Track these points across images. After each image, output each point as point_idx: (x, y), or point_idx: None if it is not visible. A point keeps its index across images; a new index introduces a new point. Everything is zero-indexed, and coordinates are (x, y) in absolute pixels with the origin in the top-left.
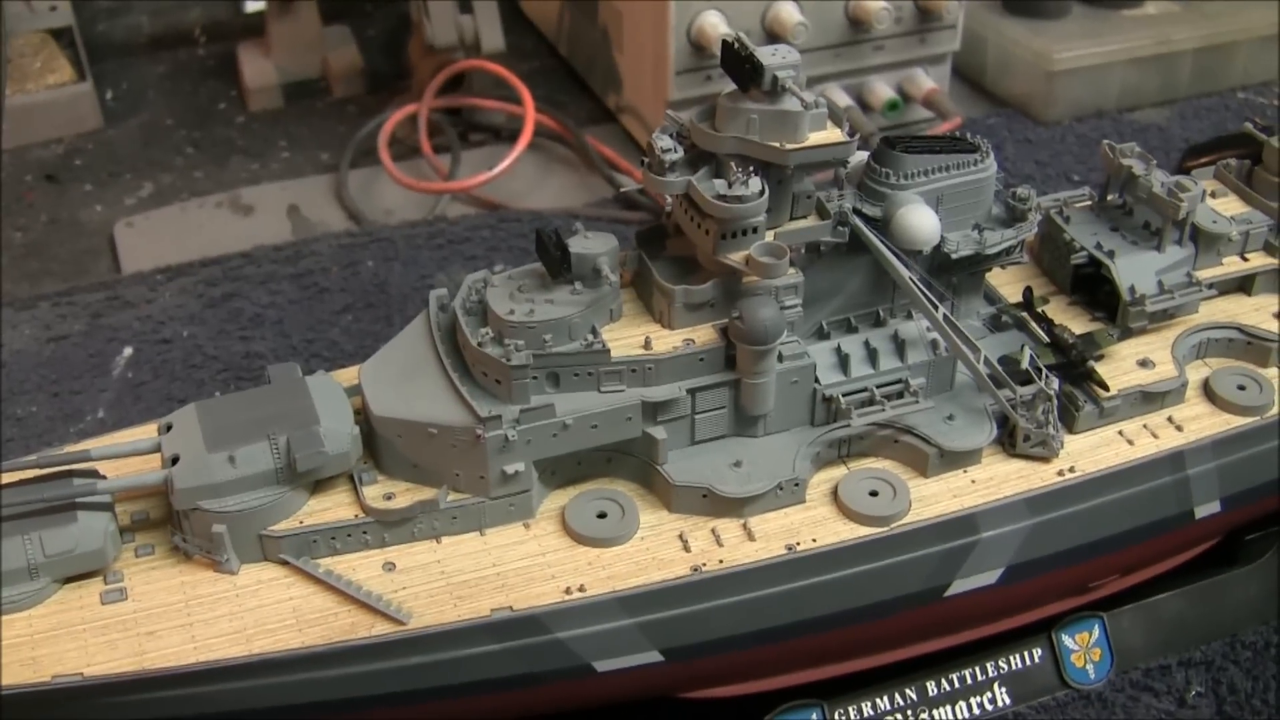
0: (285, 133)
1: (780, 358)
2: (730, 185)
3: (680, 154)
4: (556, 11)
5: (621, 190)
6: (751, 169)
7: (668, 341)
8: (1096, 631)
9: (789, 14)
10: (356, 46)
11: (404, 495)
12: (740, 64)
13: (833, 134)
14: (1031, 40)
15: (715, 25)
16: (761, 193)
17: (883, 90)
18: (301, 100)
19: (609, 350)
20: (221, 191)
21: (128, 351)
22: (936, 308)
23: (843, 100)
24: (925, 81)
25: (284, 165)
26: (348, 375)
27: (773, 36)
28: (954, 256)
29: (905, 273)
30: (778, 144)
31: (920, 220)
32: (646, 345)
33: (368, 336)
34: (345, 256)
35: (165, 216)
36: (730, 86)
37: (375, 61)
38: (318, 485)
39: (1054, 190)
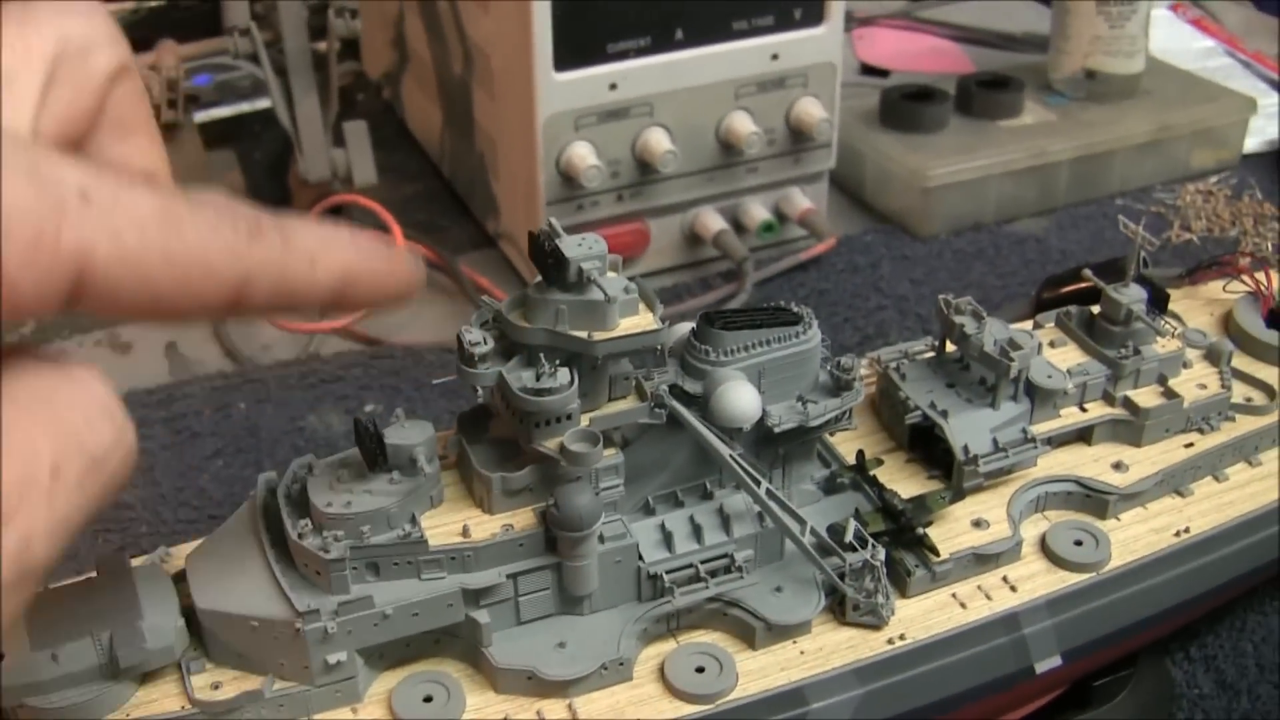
0: None
1: (602, 539)
2: (539, 377)
3: (490, 346)
4: (439, 134)
5: (434, 383)
6: (558, 360)
7: (487, 528)
8: None
9: (658, 142)
10: (240, 172)
11: (231, 684)
12: (545, 257)
13: (644, 320)
14: (906, 156)
15: (583, 157)
16: (571, 383)
17: (758, 212)
18: None
19: (426, 540)
20: (101, 329)
21: None
22: (759, 483)
23: (717, 223)
24: (801, 201)
25: None
26: (192, 549)
27: (643, 165)
28: (777, 430)
29: (725, 451)
30: (586, 334)
31: (738, 399)
32: (465, 533)
33: (236, 483)
34: (218, 398)
35: None
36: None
37: (260, 188)
38: (147, 675)
39: (928, 307)
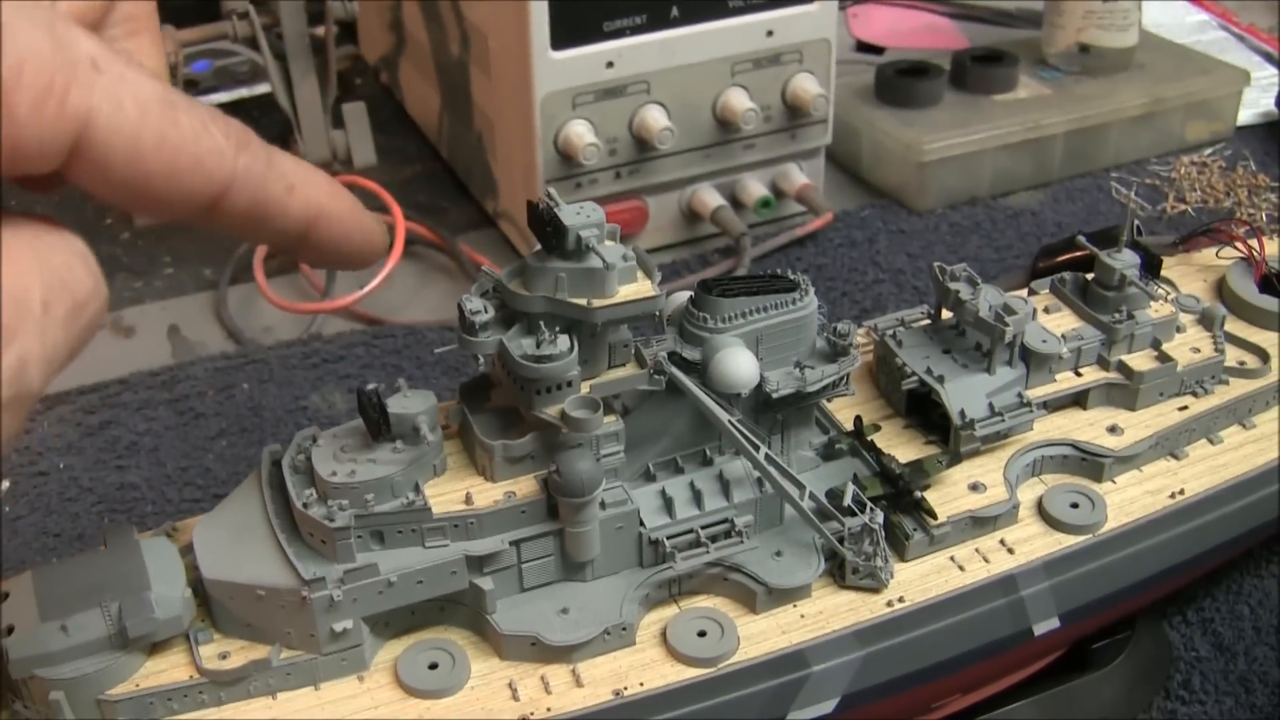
0: (170, 248)
1: (603, 505)
2: (539, 344)
3: (491, 314)
4: (437, 115)
5: (436, 352)
6: (558, 328)
7: (489, 495)
8: None
9: (655, 119)
10: None
11: (239, 654)
12: (543, 225)
13: (643, 287)
14: (902, 131)
15: (581, 135)
16: (571, 350)
17: (755, 188)
18: None
19: (430, 508)
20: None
21: (4, 485)
22: (758, 448)
23: (714, 200)
24: (798, 177)
25: (167, 283)
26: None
27: (640, 143)
28: (775, 396)
29: (724, 416)
30: (585, 301)
31: (737, 365)
32: (468, 500)
33: (240, 462)
34: (221, 379)
35: None
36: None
37: None
38: (155, 646)
39: (925, 280)
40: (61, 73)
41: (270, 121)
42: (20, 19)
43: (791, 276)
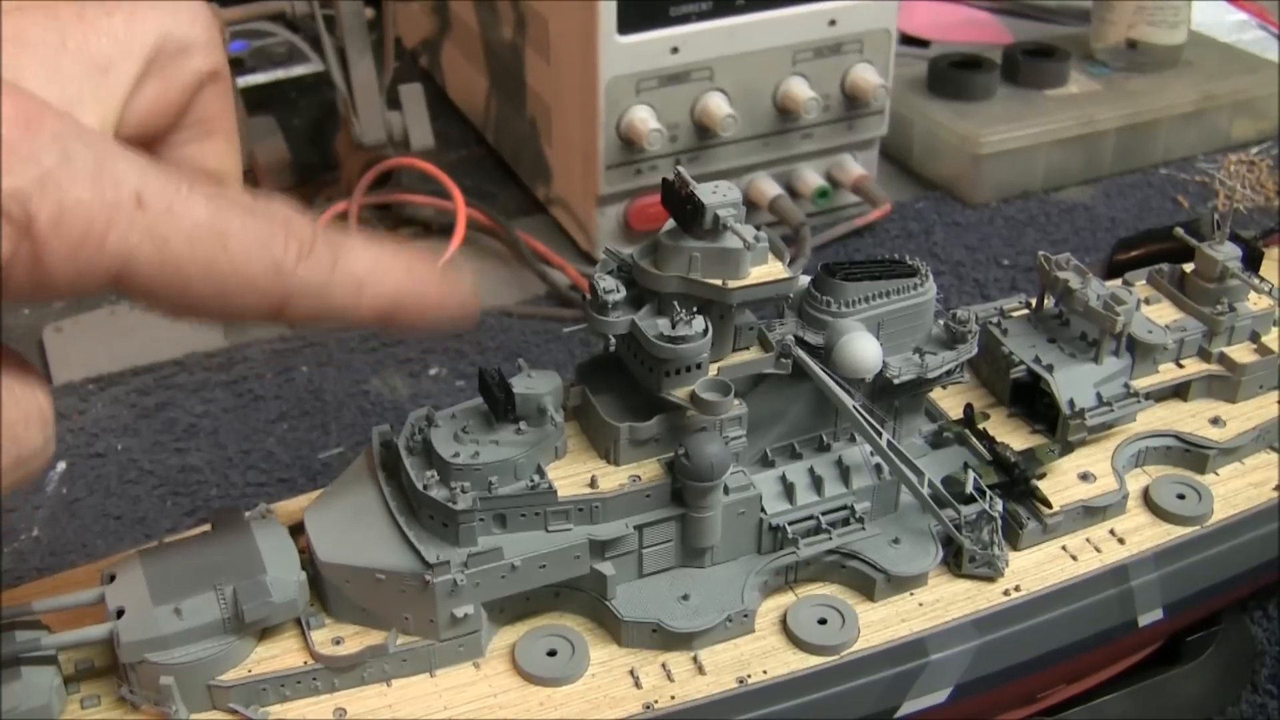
0: None
1: (726, 490)
2: (674, 325)
3: (622, 294)
4: (484, 100)
5: (565, 331)
6: (695, 308)
7: (614, 479)
8: None
9: (718, 106)
10: (283, 138)
11: (353, 639)
12: (681, 204)
13: (774, 269)
14: (957, 123)
15: (644, 120)
16: (705, 332)
17: (812, 178)
18: None
19: (555, 491)
20: None
21: (61, 466)
22: (880, 434)
23: (772, 189)
24: (854, 168)
25: None
26: (292, 507)
27: (702, 129)
28: (896, 381)
29: (849, 402)
30: (720, 281)
31: (863, 350)
32: (592, 484)
33: (304, 446)
34: (279, 362)
35: (95, 321)
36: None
37: (302, 153)
38: (265, 631)
39: (985, 273)
40: (100, 218)
41: (308, 103)
42: (65, 166)
43: (910, 262)
